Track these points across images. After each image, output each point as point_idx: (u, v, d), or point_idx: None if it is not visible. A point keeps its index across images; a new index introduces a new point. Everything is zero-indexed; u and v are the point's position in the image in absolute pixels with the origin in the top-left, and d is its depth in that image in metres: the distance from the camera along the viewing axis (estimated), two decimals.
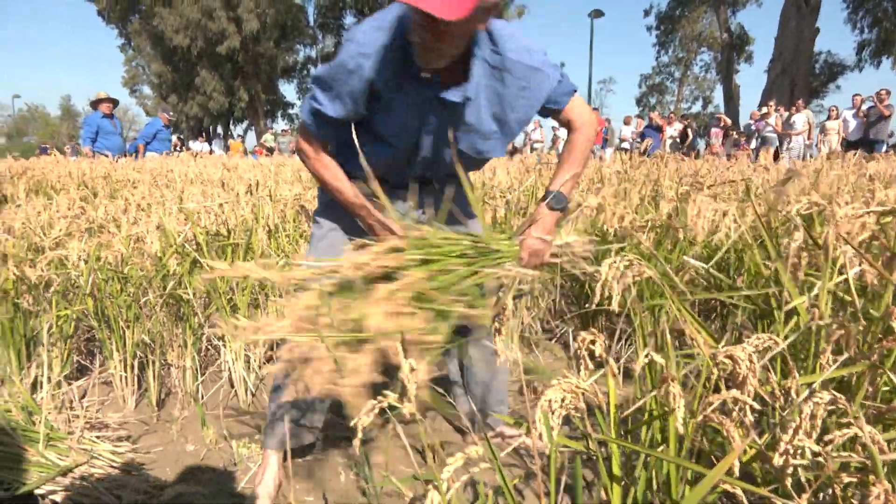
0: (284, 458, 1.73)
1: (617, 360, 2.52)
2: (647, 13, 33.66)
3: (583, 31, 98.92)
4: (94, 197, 4.05)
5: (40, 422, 1.50)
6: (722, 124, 14.15)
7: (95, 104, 7.80)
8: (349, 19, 31.03)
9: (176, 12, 25.95)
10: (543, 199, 1.52)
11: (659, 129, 14.45)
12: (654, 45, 35.89)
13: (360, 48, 1.34)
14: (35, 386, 2.06)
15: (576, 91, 1.50)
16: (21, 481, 1.33)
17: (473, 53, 1.34)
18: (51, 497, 1.42)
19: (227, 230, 2.25)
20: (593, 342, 0.94)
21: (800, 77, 20.29)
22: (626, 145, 14.70)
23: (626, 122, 15.20)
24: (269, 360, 2.46)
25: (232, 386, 2.23)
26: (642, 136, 14.51)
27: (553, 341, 2.88)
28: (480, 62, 1.36)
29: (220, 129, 31.91)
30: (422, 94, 1.39)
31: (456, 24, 1.17)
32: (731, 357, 0.92)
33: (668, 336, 0.99)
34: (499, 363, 1.75)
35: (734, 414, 0.90)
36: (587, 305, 2.80)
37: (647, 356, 0.97)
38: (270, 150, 19.75)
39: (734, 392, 0.88)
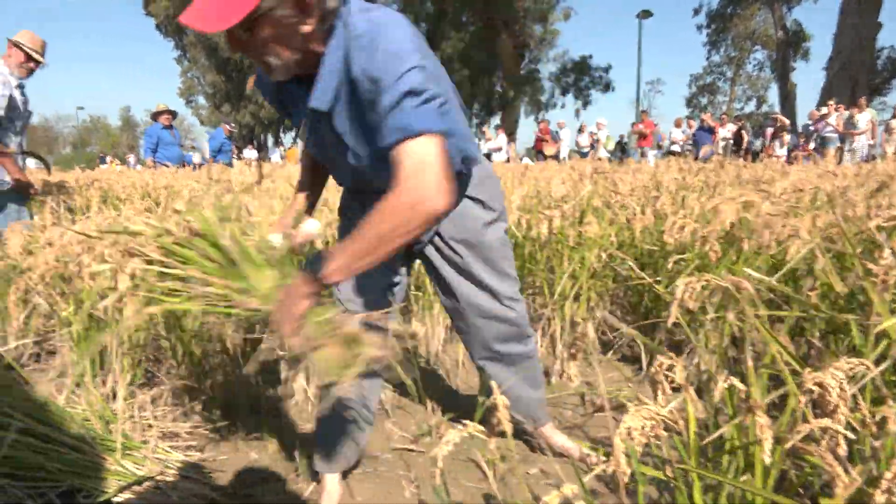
0: (343, 477, 1.75)
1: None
2: (696, 12, 32.95)
3: (629, 31, 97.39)
4: (157, 206, 4.21)
5: (117, 431, 1.55)
6: (779, 124, 13.67)
7: (156, 116, 8.10)
8: None
9: None
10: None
11: (711, 131, 14.06)
12: (704, 45, 35.09)
13: None
14: (109, 394, 2.14)
15: (420, 135, 1.05)
16: (101, 490, 1.38)
17: (322, 62, 1.20)
18: None
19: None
20: (671, 367, 0.91)
21: (861, 74, 19.44)
22: (676, 148, 14.36)
23: (677, 124, 14.83)
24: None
25: (293, 396, 2.27)
26: (694, 138, 14.16)
27: (610, 353, 2.83)
28: (329, 72, 1.20)
29: (270, 138, 32.69)
30: (302, 105, 1.29)
31: (239, 35, 1.11)
32: (820, 384, 0.88)
33: (750, 360, 0.96)
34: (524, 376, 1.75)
35: (823, 443, 0.86)
36: (646, 316, 2.75)
37: (726, 380, 0.94)
38: None
39: (825, 421, 0.84)
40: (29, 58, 3.47)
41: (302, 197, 1.63)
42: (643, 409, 0.85)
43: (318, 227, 1.45)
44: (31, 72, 3.53)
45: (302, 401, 2.24)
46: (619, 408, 2.33)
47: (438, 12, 27.38)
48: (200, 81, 32.92)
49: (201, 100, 33.81)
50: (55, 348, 2.19)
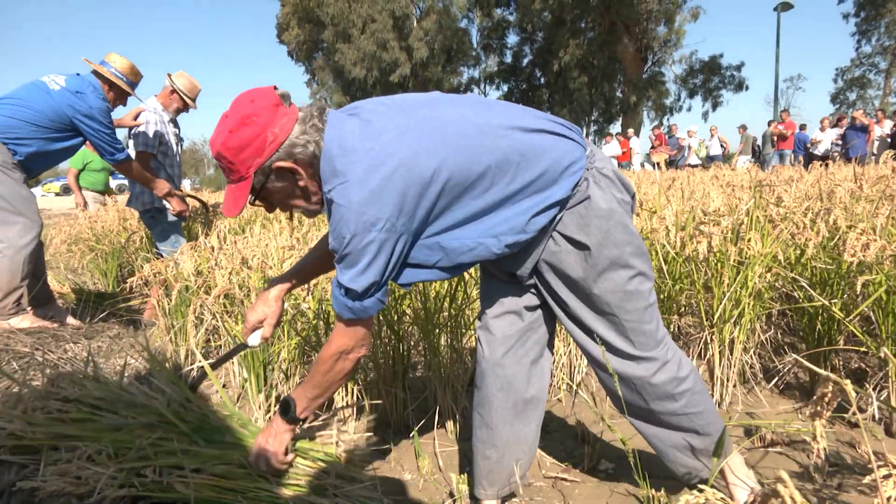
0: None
1: (861, 410, 2.18)
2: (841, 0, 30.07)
3: (764, 27, 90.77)
4: (301, 224, 4.45)
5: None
6: None
7: None
8: (512, 38, 31.54)
9: (354, 46, 28.22)
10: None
11: (865, 130, 12.67)
12: (852, 35, 31.90)
13: None
14: (270, 407, 2.26)
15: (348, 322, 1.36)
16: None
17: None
18: None
19: None
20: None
21: None
22: (817, 151, 13.11)
23: (822, 127, 13.55)
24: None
25: (440, 416, 2.27)
26: (844, 138, 12.84)
27: (774, 382, 2.58)
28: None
29: None
30: None
31: (264, 206, 1.42)
32: None
33: None
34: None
35: None
36: (816, 342, 2.47)
37: None
38: None
39: None
40: (183, 102, 3.80)
41: (291, 271, 1.71)
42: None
43: (258, 340, 1.67)
44: (180, 111, 3.86)
45: (451, 420, 2.24)
46: (791, 444, 2.11)
47: (556, 20, 27.10)
48: (328, 102, 34.90)
49: None
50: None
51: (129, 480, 1.37)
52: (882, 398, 2.22)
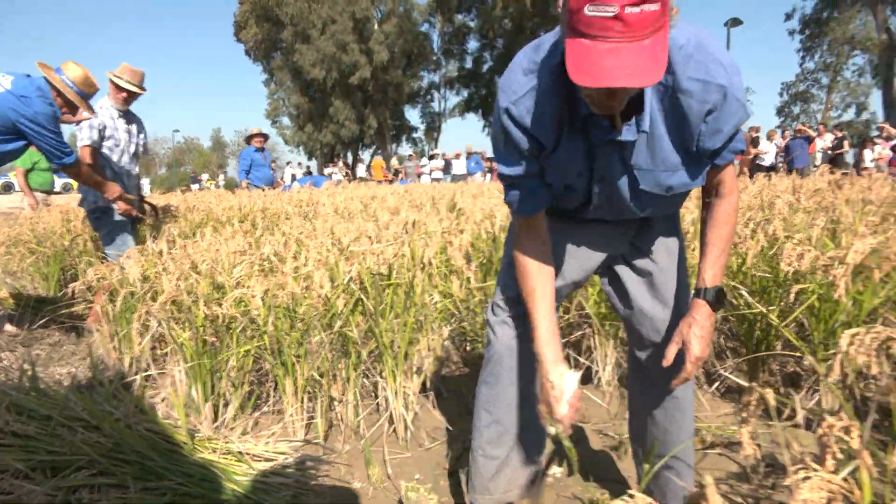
0: None
1: (790, 413, 2.27)
2: (789, 17, 31.36)
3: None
4: (254, 228, 4.38)
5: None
6: (885, 134, 12.72)
7: (249, 139, 8.49)
8: (472, 44, 31.77)
9: (314, 47, 27.96)
10: (697, 293, 1.34)
11: (809, 140, 13.25)
12: (797, 51, 33.29)
13: (509, 98, 1.23)
14: (217, 415, 2.22)
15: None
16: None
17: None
18: None
19: (389, 269, 2.32)
20: (848, 430, 0.82)
21: None
22: (762, 162, 13.61)
23: (769, 136, 14.09)
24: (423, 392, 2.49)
25: (391, 423, 2.27)
26: (787, 149, 13.38)
27: (715, 386, 2.67)
28: (652, 88, 1.18)
29: (349, 155, 33.70)
30: (590, 137, 1.24)
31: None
32: None
33: None
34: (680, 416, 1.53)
35: None
36: (755, 347, 2.57)
37: None
38: (396, 174, 20.58)
39: None
40: (120, 88, 3.66)
41: (549, 322, 1.35)
42: (816, 479, 0.77)
43: (576, 379, 1.30)
44: (126, 101, 3.73)
45: (402, 429, 2.24)
46: (730, 445, 2.19)
47: (517, 28, 27.42)
48: (285, 103, 34.42)
49: (286, 120, 35.35)
50: (168, 372, 2.28)
51: (65, 498, 1.33)
52: (815, 401, 2.33)
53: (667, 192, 1.31)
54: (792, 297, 2.13)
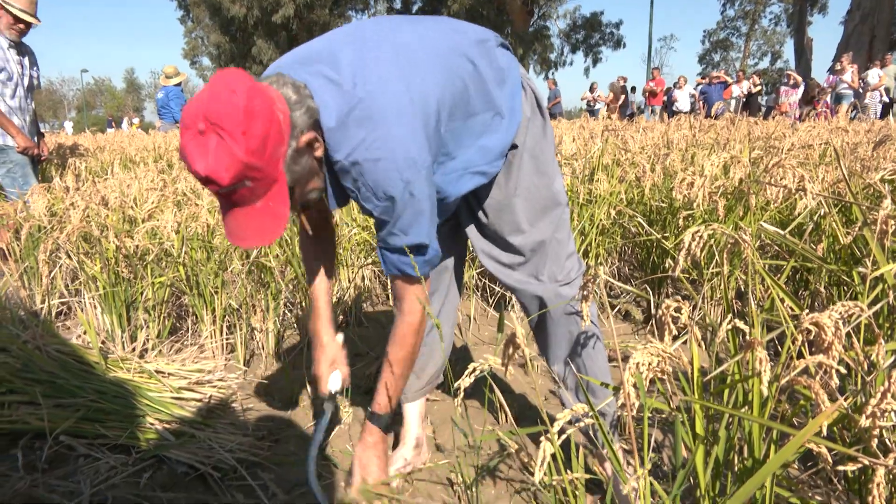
0: None
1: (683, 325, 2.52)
2: None
3: None
4: (171, 168, 4.27)
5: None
6: (791, 81, 13.43)
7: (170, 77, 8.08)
8: None
9: None
10: (370, 418, 1.35)
11: (725, 86, 13.89)
12: None
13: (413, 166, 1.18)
14: (135, 347, 2.24)
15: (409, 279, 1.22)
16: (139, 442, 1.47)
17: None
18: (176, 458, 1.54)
19: None
20: (679, 309, 0.97)
21: (881, 28, 18.93)
22: (682, 107, 14.16)
23: (679, 84, 14.66)
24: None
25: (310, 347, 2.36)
26: (704, 95, 13.95)
27: (616, 309, 2.90)
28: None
29: None
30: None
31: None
32: (816, 324, 0.94)
33: (753, 302, 1.02)
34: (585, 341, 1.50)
35: (818, 378, 0.92)
36: (654, 272, 2.80)
37: (730, 322, 1.00)
38: None
39: (820, 357, 0.90)
40: (17, 19, 3.44)
41: (324, 304, 1.50)
42: (651, 347, 0.92)
43: (341, 377, 1.50)
44: (22, 33, 3.51)
45: None
46: (627, 359, 2.41)
47: None
48: (204, 42, 32.50)
49: (206, 60, 33.50)
50: (82, 305, 2.27)
51: None
52: (699, 317, 2.59)
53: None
54: (681, 222, 2.33)
